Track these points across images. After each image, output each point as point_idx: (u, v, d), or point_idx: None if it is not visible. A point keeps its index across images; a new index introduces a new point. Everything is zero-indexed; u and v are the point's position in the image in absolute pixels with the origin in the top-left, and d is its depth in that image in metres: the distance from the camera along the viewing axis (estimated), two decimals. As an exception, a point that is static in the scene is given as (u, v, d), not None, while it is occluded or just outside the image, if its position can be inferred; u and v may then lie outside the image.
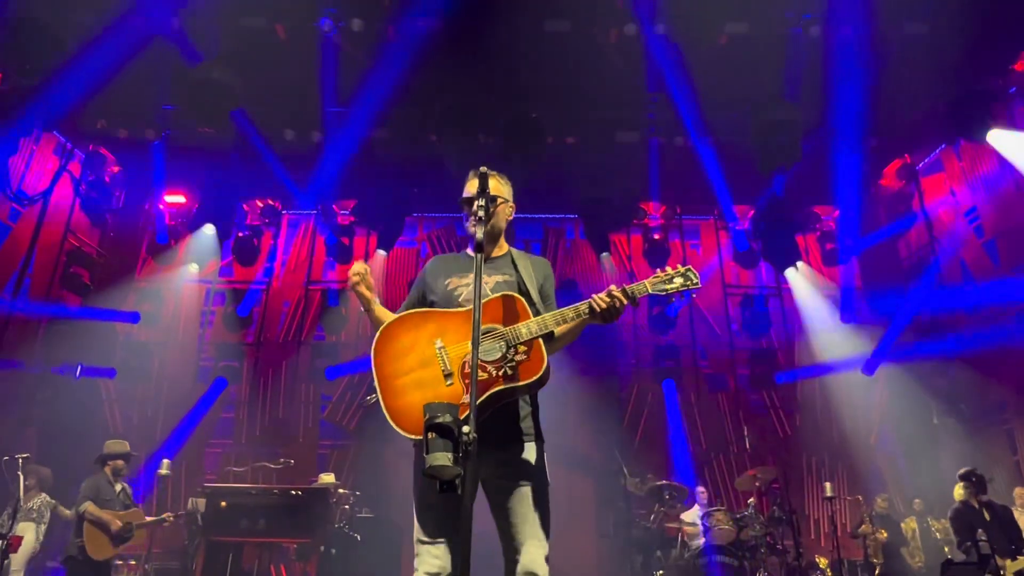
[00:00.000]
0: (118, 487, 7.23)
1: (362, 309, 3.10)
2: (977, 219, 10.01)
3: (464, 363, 2.71)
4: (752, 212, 11.43)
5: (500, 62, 8.59)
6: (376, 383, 2.79)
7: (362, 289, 3.01)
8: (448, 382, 2.68)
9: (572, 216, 12.12)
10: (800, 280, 11.63)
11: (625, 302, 2.83)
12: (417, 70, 8.69)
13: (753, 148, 9.33)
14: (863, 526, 8.89)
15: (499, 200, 3.11)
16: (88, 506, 6.86)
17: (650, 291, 2.90)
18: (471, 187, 2.94)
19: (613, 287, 2.84)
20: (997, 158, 9.08)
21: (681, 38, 8.30)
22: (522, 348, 2.72)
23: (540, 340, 2.75)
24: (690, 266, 2.97)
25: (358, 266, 3.01)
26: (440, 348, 2.75)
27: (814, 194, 11.22)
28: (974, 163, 9.79)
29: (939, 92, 9.00)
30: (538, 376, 2.70)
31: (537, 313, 2.86)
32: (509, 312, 2.81)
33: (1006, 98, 8.90)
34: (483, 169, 2.74)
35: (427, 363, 2.75)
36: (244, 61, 8.50)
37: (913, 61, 8.59)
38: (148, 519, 7.15)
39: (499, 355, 2.71)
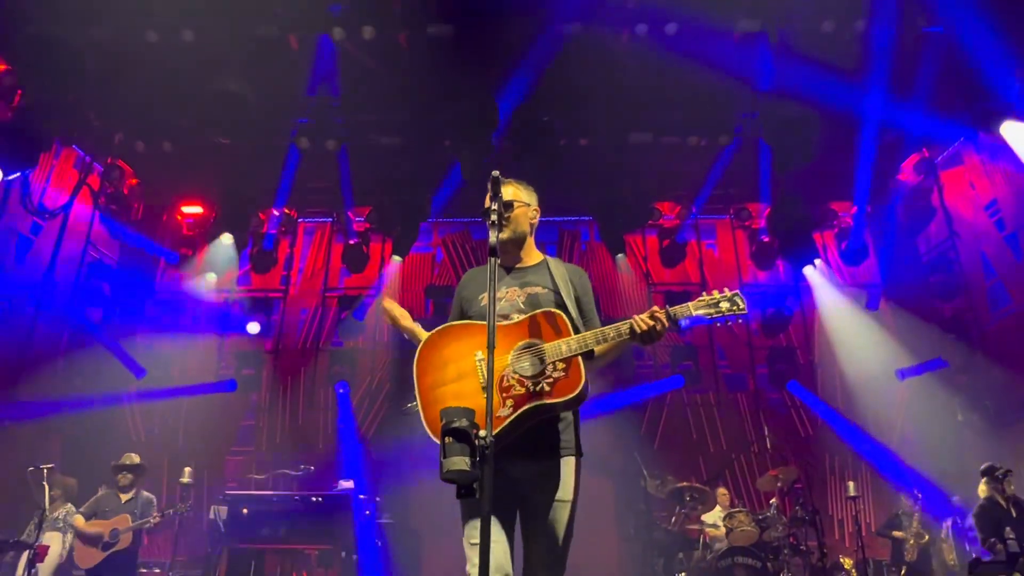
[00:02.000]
0: (126, 497, 7.43)
1: (406, 336, 3.13)
2: (998, 212, 9.87)
3: (503, 376, 2.72)
4: (769, 210, 11.35)
5: (510, 66, 8.59)
6: (416, 392, 2.80)
7: (405, 324, 3.09)
8: (486, 395, 2.67)
9: (587, 218, 12.09)
10: (818, 278, 11.53)
11: (667, 324, 2.79)
12: (429, 75, 8.72)
13: (769, 146, 9.29)
14: (913, 526, 8.75)
15: (516, 204, 3.10)
16: (76, 520, 7.24)
17: (694, 314, 2.85)
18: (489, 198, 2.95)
19: (656, 308, 2.80)
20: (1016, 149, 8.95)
21: (692, 36, 8.26)
22: (560, 365, 2.71)
23: (579, 358, 2.72)
24: (738, 291, 2.88)
25: (385, 305, 3.10)
26: (480, 361, 2.75)
27: (832, 191, 11.13)
28: (993, 156, 9.65)
29: (957, 84, 8.89)
30: (575, 394, 2.67)
31: (576, 327, 2.84)
32: (551, 328, 2.79)
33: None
34: (495, 174, 2.72)
35: (466, 375, 2.76)
36: (258, 71, 8.58)
37: (930, 52, 8.50)
38: (132, 524, 7.26)
39: (538, 370, 2.71)
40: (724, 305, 2.85)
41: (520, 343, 2.78)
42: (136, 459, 7.75)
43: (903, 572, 8.65)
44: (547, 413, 2.74)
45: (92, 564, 7.08)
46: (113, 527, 7.18)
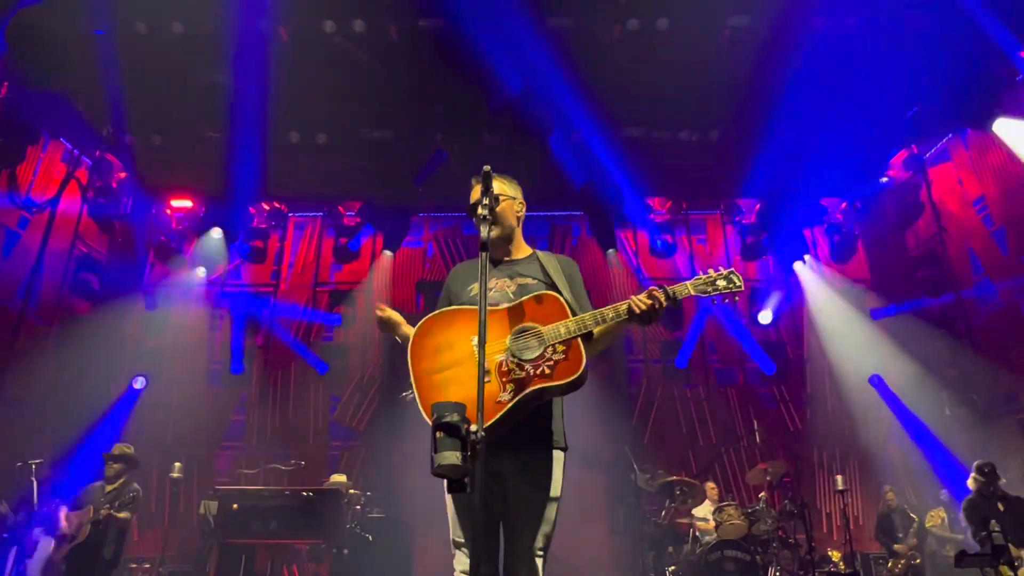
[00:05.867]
0: (111, 488, 7.24)
1: (399, 340, 3.09)
2: (986, 208, 9.94)
3: (502, 361, 2.70)
4: (759, 206, 11.39)
5: (503, 60, 8.58)
6: (412, 379, 2.76)
7: (402, 331, 3.06)
8: (486, 379, 2.64)
9: (578, 213, 12.11)
10: (808, 273, 11.58)
11: (665, 303, 2.77)
12: (420, 70, 8.70)
13: (758, 141, 9.34)
14: (902, 546, 8.79)
15: (502, 198, 3.08)
16: (62, 512, 7.07)
17: (692, 292, 2.84)
18: (475, 194, 2.93)
19: (654, 288, 2.78)
20: (1005, 146, 9.02)
21: (683, 32, 8.27)
22: (560, 347, 2.70)
23: (579, 340, 2.71)
24: (733, 269, 2.88)
25: (380, 313, 3.07)
26: (477, 346, 2.74)
27: (821, 187, 11.17)
28: (982, 152, 9.72)
29: (945, 81, 8.94)
30: (576, 375, 2.65)
31: (574, 313, 2.84)
32: (548, 311, 2.78)
33: (1013, 86, 8.83)
34: (486, 169, 2.71)
35: (463, 361, 2.74)
36: (248, 64, 8.54)
37: (919, 49, 8.53)
38: (91, 515, 6.98)
39: (537, 353, 2.69)
40: (721, 283, 2.85)
41: (517, 326, 2.76)
42: (126, 449, 7.53)
43: (890, 565, 8.73)
44: (548, 396, 2.73)
45: (60, 556, 6.92)
46: (79, 520, 6.98)
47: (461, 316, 2.88)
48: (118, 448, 7.56)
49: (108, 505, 6.96)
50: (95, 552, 6.95)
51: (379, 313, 3.07)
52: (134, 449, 7.64)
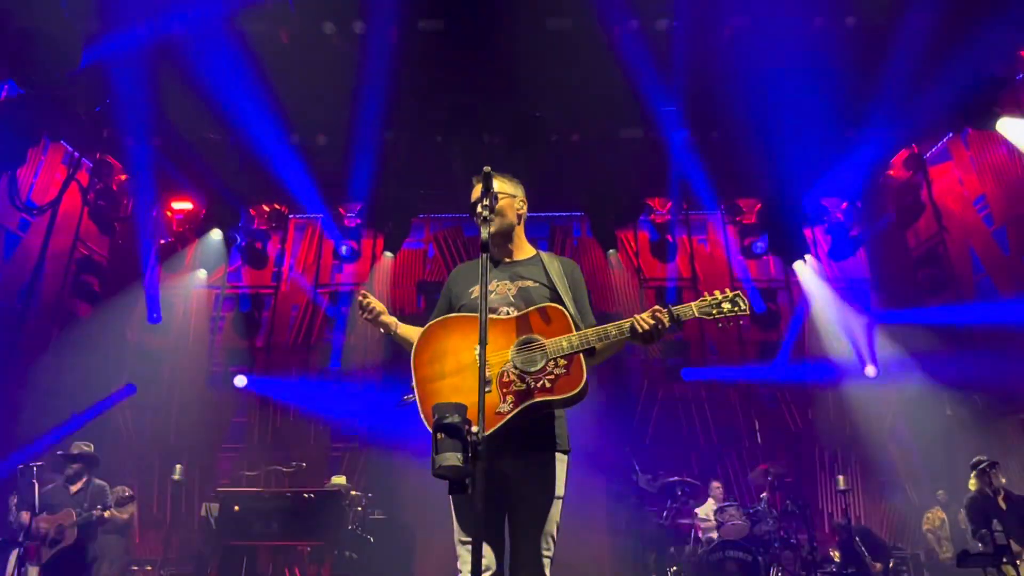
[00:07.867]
0: (75, 488, 7.07)
1: (383, 332, 3.06)
2: (986, 208, 9.93)
3: (503, 371, 2.71)
4: (759, 206, 11.38)
5: (503, 61, 8.58)
6: (414, 383, 2.79)
7: (384, 319, 3.03)
8: (486, 389, 2.63)
9: (578, 214, 12.11)
10: (808, 272, 11.57)
11: (667, 324, 2.77)
12: (420, 71, 8.70)
13: (758, 141, 9.34)
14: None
15: (501, 196, 3.07)
16: (22, 516, 6.83)
17: (696, 314, 2.83)
18: (476, 193, 2.93)
19: (657, 308, 2.78)
20: (1006, 145, 9.01)
21: (683, 32, 8.27)
22: (562, 362, 2.70)
23: (581, 355, 2.71)
24: (739, 292, 2.87)
25: (362, 299, 3.00)
26: (480, 355, 2.75)
27: (821, 186, 11.17)
28: (982, 151, 9.72)
29: (945, 80, 8.93)
30: (576, 391, 2.67)
31: (576, 323, 2.83)
32: (552, 324, 2.77)
33: (1013, 85, 8.83)
34: (487, 170, 2.71)
35: (465, 368, 2.74)
36: (249, 66, 8.54)
37: (919, 49, 8.53)
38: (77, 519, 6.84)
39: (539, 366, 2.70)
40: (726, 306, 2.84)
41: (520, 338, 2.76)
42: (85, 447, 7.31)
43: (891, 565, 8.73)
44: (546, 410, 2.74)
45: (40, 562, 6.73)
46: (59, 523, 6.81)
47: (465, 323, 2.87)
48: (76, 447, 7.33)
49: (101, 506, 6.84)
50: (81, 554, 6.86)
51: (360, 299, 3.01)
52: (93, 447, 7.42)
